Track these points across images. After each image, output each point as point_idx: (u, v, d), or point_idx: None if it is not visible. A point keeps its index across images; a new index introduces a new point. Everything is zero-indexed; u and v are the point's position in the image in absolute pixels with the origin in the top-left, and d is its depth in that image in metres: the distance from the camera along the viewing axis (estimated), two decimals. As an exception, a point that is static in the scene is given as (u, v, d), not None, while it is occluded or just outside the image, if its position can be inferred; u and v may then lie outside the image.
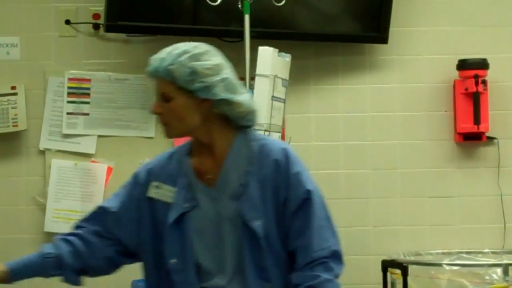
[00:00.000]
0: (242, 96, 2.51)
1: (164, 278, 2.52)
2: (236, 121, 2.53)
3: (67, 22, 4.33)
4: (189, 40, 4.42)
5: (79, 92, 4.31)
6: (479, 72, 4.33)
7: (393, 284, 4.05)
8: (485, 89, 4.35)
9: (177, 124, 2.49)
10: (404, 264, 3.86)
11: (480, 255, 4.12)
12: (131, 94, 4.32)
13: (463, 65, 4.36)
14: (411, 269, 3.83)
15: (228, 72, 2.51)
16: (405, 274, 3.82)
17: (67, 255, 2.56)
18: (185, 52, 2.47)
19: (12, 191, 4.31)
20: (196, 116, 2.48)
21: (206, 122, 2.50)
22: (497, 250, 4.24)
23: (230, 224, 2.49)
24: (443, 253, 4.21)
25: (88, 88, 4.32)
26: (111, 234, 2.60)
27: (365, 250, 4.39)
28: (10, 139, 4.31)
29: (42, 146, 4.31)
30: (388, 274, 4.04)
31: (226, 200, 2.50)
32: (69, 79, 4.31)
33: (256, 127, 2.61)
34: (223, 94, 2.46)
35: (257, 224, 2.46)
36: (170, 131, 2.51)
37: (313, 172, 4.33)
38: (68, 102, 4.31)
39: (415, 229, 4.42)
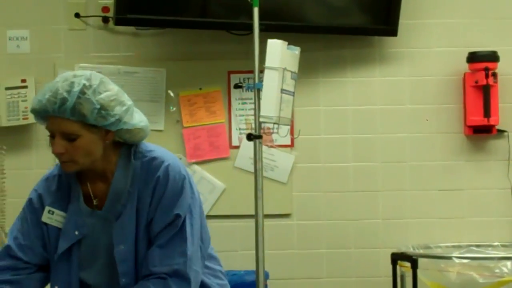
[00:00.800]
0: (142, 121, 2.48)
1: None
2: (128, 143, 2.50)
3: (77, 15, 4.33)
4: (198, 33, 4.44)
5: (88, 85, 4.32)
6: (489, 64, 4.30)
7: (402, 277, 4.05)
8: (495, 82, 4.33)
9: (83, 159, 2.42)
10: (414, 257, 3.85)
11: (490, 248, 4.11)
12: (140, 87, 4.32)
13: (473, 57, 4.34)
14: (421, 262, 3.83)
15: (126, 97, 2.45)
16: (414, 267, 3.82)
17: None
18: (85, 87, 2.35)
19: (22, 183, 4.30)
20: (101, 148, 2.44)
21: (105, 150, 2.46)
22: (507, 243, 4.23)
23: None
24: (453, 246, 4.20)
25: (98, 81, 4.32)
26: (29, 264, 2.57)
27: (374, 243, 4.38)
28: (20, 132, 4.32)
29: (52, 139, 4.32)
30: (398, 267, 4.03)
31: (114, 222, 2.48)
32: (79, 72, 4.31)
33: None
34: (131, 123, 2.43)
35: (118, 249, 2.45)
36: (72, 167, 2.44)
37: (322, 165, 4.41)
38: (78, 95, 4.31)
39: (424, 222, 4.41)
